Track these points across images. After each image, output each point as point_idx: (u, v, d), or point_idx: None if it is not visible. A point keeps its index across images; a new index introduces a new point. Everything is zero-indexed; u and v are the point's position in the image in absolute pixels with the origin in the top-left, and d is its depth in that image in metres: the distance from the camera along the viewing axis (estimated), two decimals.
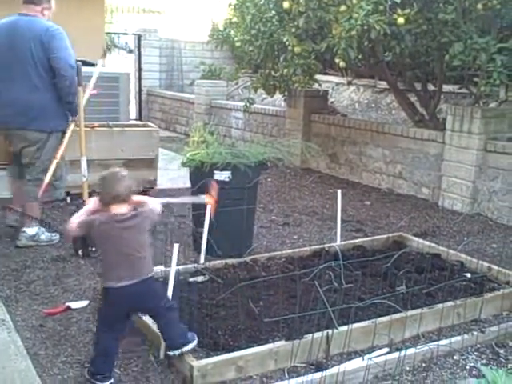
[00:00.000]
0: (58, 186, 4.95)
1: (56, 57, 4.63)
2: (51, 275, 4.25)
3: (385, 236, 5.07)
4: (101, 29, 8.43)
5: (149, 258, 2.95)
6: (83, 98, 4.92)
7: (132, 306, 2.96)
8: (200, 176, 4.60)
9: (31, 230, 4.76)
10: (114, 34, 14.70)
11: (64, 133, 4.86)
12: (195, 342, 3.05)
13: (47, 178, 4.66)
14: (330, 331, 3.18)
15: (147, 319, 3.38)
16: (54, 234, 4.94)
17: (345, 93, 10.13)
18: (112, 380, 2.92)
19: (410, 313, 3.47)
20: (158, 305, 2.97)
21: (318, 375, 2.88)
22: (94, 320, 3.56)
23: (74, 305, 3.75)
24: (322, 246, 4.70)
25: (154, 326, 3.29)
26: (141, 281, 2.87)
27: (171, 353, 3.03)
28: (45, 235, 4.86)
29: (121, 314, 2.93)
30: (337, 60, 6.56)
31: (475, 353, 3.34)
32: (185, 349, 2.99)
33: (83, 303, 3.79)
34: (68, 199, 5.92)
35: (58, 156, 4.77)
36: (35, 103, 4.64)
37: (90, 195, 5.27)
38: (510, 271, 4.23)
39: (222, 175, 4.58)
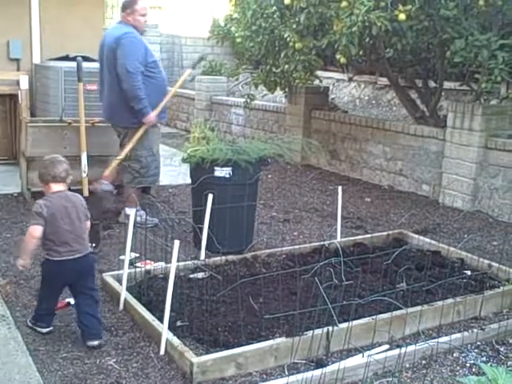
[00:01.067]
0: (146, 174, 5.29)
1: (118, 63, 4.98)
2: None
3: (385, 233, 5.07)
4: (100, 24, 8.42)
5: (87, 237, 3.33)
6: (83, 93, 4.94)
7: (73, 278, 3.27)
8: (200, 172, 4.60)
9: (129, 211, 5.08)
10: None
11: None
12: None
13: (114, 163, 5.21)
14: (330, 328, 3.18)
15: (148, 316, 3.39)
16: (152, 219, 5.26)
17: (345, 89, 10.12)
18: (51, 328, 3.36)
19: (410, 310, 3.47)
20: (92, 283, 3.34)
21: (318, 372, 2.88)
22: None
23: (74, 301, 3.74)
24: (322, 243, 4.70)
25: (154, 323, 3.29)
26: (84, 255, 3.25)
27: (90, 343, 3.21)
28: (141, 218, 5.08)
29: (62, 284, 3.32)
30: (338, 56, 6.54)
31: (475, 350, 3.34)
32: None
33: None
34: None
35: (123, 153, 5.19)
36: (110, 103, 5.23)
37: (91, 191, 5.28)
38: (511, 269, 4.23)
39: (223, 171, 4.58)
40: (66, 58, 7.24)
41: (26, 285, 3.99)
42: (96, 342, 3.21)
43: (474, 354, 3.30)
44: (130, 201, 5.21)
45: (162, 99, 5.19)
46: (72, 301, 3.69)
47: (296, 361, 3.10)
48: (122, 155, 5.21)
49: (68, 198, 3.30)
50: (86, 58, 6.08)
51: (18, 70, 7.63)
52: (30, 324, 3.41)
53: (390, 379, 2.99)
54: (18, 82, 6.69)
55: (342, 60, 6.60)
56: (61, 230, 3.19)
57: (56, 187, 3.28)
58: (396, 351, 3.06)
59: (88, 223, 3.38)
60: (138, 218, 5.04)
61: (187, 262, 4.19)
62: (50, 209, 3.18)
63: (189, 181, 5.00)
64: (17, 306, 3.68)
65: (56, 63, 7.25)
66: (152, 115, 5.12)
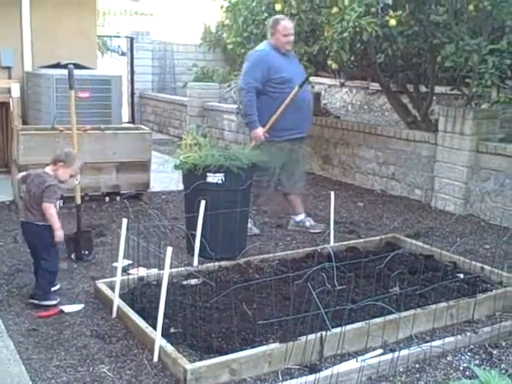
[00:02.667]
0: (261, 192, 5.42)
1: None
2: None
3: (378, 237, 5.08)
4: (92, 32, 8.42)
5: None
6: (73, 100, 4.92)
7: (27, 240, 3.95)
8: (193, 178, 4.60)
9: (298, 217, 5.54)
10: (107, 36, 14.70)
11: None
12: (51, 302, 3.76)
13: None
14: (323, 333, 3.18)
15: (141, 323, 3.38)
16: (319, 225, 5.48)
17: (337, 95, 10.16)
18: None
19: (403, 314, 3.47)
20: (42, 252, 3.83)
21: (311, 377, 2.88)
22: (88, 324, 3.57)
23: (67, 308, 3.74)
24: (315, 248, 4.71)
25: (148, 330, 3.29)
26: (26, 222, 3.85)
27: (32, 301, 3.76)
28: (309, 223, 5.49)
29: (27, 244, 3.98)
30: (329, 62, 6.57)
31: (468, 353, 3.34)
32: (43, 302, 3.75)
33: (77, 307, 3.78)
34: (60, 203, 5.91)
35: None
36: None
37: (83, 198, 5.27)
38: (503, 272, 4.24)
39: (215, 177, 4.58)
40: (57, 66, 7.24)
41: (19, 293, 3.97)
42: (30, 300, 3.79)
43: (467, 357, 3.31)
44: (295, 208, 5.54)
45: (292, 115, 5.21)
46: (66, 308, 3.69)
47: (290, 366, 3.10)
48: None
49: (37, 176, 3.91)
50: (77, 66, 6.07)
51: (10, 77, 7.61)
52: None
53: (384, 383, 2.99)
54: (9, 90, 6.68)
55: (334, 66, 6.63)
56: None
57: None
58: (389, 355, 3.07)
59: (44, 204, 3.77)
60: (308, 223, 5.50)
61: (180, 269, 4.18)
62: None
63: (181, 187, 5.00)
64: (9, 315, 3.66)
65: (47, 71, 7.24)
66: (258, 130, 5.21)
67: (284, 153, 5.35)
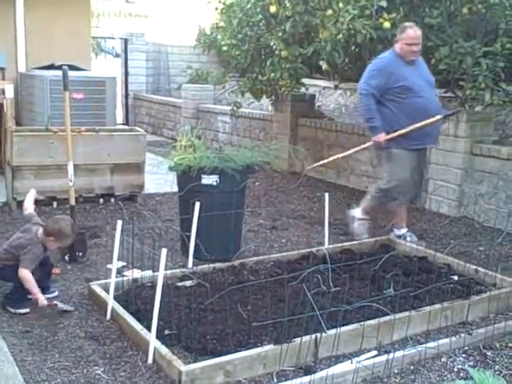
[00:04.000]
0: (385, 194, 5.29)
1: None
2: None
3: (372, 239, 5.09)
4: (86, 33, 8.41)
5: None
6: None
7: None
8: (187, 180, 4.60)
9: (401, 231, 5.33)
10: (101, 38, 14.68)
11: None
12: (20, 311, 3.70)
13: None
14: (318, 335, 3.18)
15: (136, 324, 3.37)
16: (421, 241, 5.19)
17: (331, 97, 10.17)
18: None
19: (397, 316, 3.48)
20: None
21: (306, 379, 2.88)
22: (82, 325, 3.56)
23: (60, 305, 3.74)
24: (309, 250, 4.71)
25: (142, 332, 3.28)
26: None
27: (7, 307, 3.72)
28: (410, 238, 5.24)
29: None
30: (321, 63, 6.57)
31: (463, 355, 3.35)
32: (11, 310, 3.70)
33: (70, 308, 3.77)
34: (54, 204, 5.90)
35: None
36: None
37: (77, 200, 5.26)
38: (497, 273, 4.25)
39: (210, 179, 4.58)
40: (51, 67, 7.22)
41: None
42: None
43: (461, 358, 3.31)
44: (399, 221, 5.34)
45: (412, 123, 4.99)
46: (59, 304, 3.69)
47: (284, 368, 3.09)
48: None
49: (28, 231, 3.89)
50: (71, 67, 6.06)
51: (3, 78, 7.58)
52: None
53: None
54: (3, 91, 6.65)
55: (325, 67, 6.63)
56: None
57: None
58: (384, 357, 3.07)
59: (21, 268, 3.69)
60: (408, 238, 5.24)
61: (175, 270, 4.18)
62: None
63: (176, 189, 4.99)
64: (3, 317, 3.64)
65: (41, 72, 7.22)
66: (380, 136, 5.06)
67: (411, 162, 5.16)
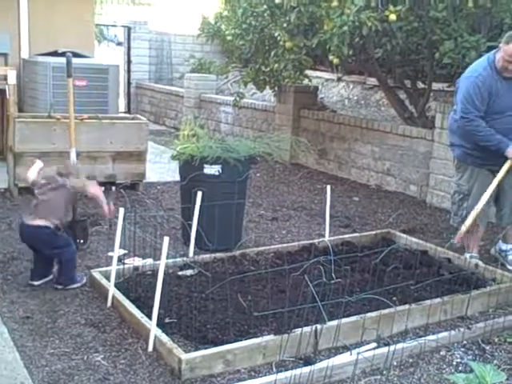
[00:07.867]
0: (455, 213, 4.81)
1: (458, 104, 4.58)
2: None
3: (373, 232, 5.09)
4: (90, 20, 8.38)
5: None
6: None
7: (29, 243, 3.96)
8: (190, 169, 4.59)
9: (504, 246, 4.85)
10: (104, 25, 14.60)
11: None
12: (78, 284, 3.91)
13: (464, 226, 4.46)
14: (318, 326, 3.19)
15: (136, 312, 3.38)
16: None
17: (334, 89, 10.15)
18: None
19: (398, 308, 3.49)
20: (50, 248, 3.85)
21: (306, 369, 2.89)
22: (82, 312, 3.57)
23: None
24: (310, 242, 4.72)
25: (143, 320, 3.29)
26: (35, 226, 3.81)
27: (58, 286, 3.85)
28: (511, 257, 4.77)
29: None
30: (330, 57, 6.55)
31: (462, 349, 3.36)
32: (76, 285, 3.89)
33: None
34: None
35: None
36: None
37: None
38: (497, 268, 4.26)
39: (212, 169, 4.57)
40: (54, 54, 7.19)
41: (13, 281, 3.96)
42: (55, 286, 3.90)
43: (460, 352, 3.33)
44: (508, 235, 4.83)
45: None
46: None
47: (284, 358, 3.10)
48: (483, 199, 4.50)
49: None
50: (74, 54, 6.03)
51: (6, 64, 7.56)
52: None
53: (378, 377, 3.01)
54: (5, 77, 6.63)
55: (335, 61, 6.60)
56: None
57: None
58: (384, 349, 3.08)
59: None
60: (510, 257, 4.77)
61: (176, 259, 4.18)
62: None
63: (177, 178, 4.99)
64: (4, 302, 3.65)
65: (44, 58, 7.19)
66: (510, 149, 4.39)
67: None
